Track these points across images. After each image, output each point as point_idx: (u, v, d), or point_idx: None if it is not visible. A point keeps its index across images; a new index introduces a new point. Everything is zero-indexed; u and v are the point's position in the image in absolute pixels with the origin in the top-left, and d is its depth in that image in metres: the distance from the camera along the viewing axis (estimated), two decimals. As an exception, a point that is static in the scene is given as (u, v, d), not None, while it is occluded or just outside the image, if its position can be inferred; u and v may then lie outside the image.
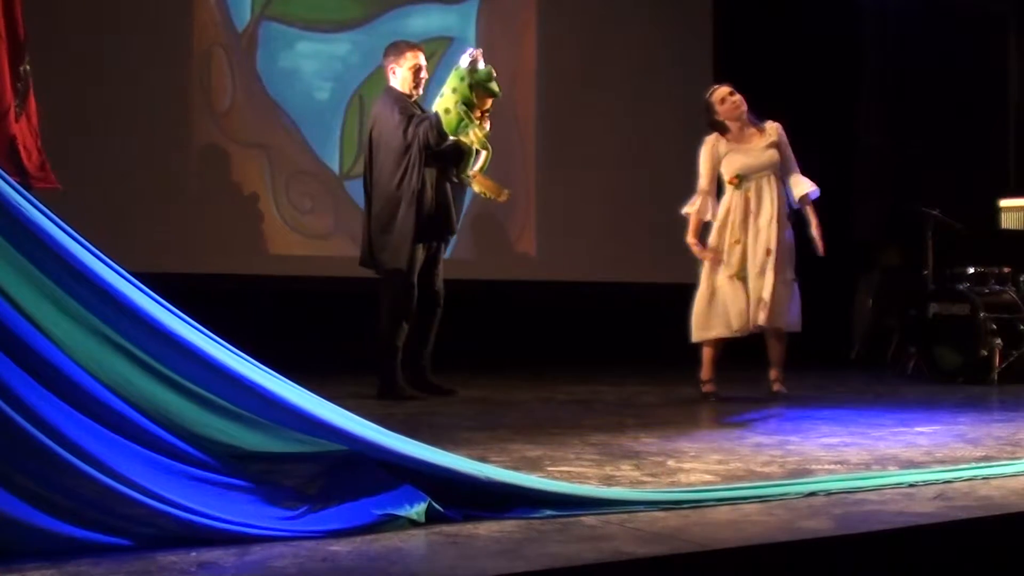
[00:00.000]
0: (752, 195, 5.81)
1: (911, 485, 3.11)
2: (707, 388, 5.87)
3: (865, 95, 10.18)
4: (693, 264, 5.92)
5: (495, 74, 5.58)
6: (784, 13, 9.49)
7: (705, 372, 5.89)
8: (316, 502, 2.52)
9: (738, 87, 6.11)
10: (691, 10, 9.50)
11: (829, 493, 2.96)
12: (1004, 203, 8.02)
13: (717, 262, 5.77)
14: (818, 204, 5.97)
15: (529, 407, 5.52)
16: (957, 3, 9.72)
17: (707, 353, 5.88)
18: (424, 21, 8.38)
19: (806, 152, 6.13)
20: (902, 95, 9.83)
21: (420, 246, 5.68)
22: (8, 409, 2.18)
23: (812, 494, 2.94)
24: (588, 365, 7.81)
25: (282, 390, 2.59)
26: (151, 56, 7.42)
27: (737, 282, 5.74)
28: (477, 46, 8.29)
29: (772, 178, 5.85)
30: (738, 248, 5.76)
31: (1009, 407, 5.74)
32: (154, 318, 2.47)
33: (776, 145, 5.88)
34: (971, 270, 7.55)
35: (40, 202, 2.45)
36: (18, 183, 2.48)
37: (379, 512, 2.43)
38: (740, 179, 5.82)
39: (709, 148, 5.91)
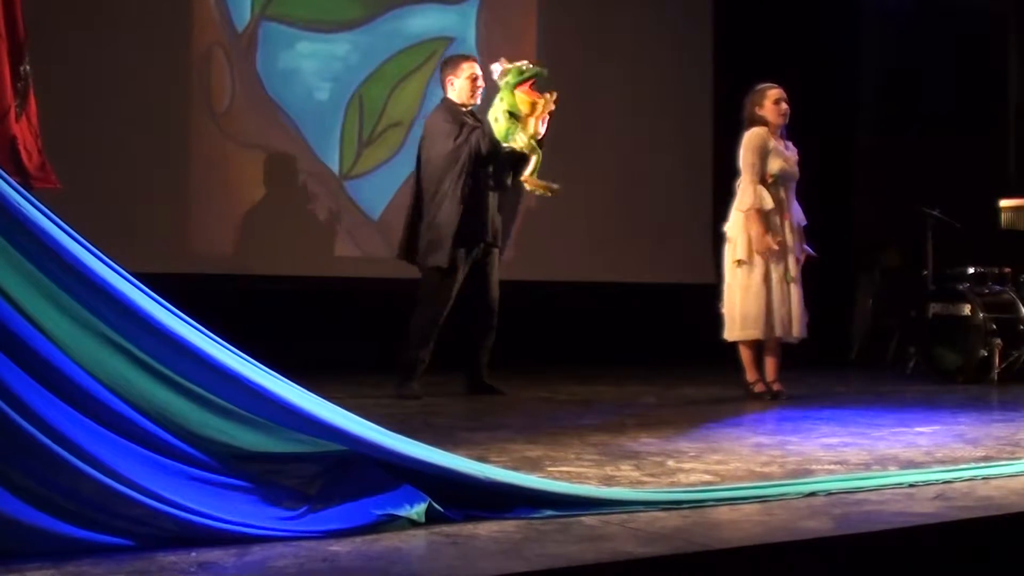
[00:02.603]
0: (784, 200, 5.86)
1: (911, 485, 3.11)
2: (758, 388, 5.87)
3: (865, 95, 10.18)
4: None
5: (524, 63, 5.76)
6: (784, 13, 9.49)
7: (751, 374, 5.89)
8: (316, 502, 2.52)
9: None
10: (691, 10, 9.50)
11: (829, 493, 2.96)
12: (1004, 203, 8.01)
13: (769, 256, 5.77)
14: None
15: (529, 407, 5.52)
16: (957, 3, 9.72)
17: (746, 354, 5.89)
18: (424, 21, 8.38)
19: (806, 152, 6.15)
20: (902, 95, 9.83)
21: (462, 250, 5.83)
22: (8, 409, 2.18)
23: (812, 494, 2.94)
24: (588, 365, 7.81)
25: (282, 390, 2.59)
26: (151, 56, 7.42)
27: (786, 285, 5.77)
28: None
29: (792, 190, 5.94)
30: (785, 247, 5.79)
31: (1009, 407, 5.74)
32: (154, 318, 2.47)
33: (797, 164, 5.98)
34: (971, 270, 7.56)
35: (40, 202, 2.45)
36: (18, 183, 2.48)
37: (379, 512, 2.43)
38: (775, 179, 5.84)
39: (759, 141, 5.86)
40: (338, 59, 8.11)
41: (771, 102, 5.93)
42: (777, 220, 5.83)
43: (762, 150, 5.84)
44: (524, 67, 5.73)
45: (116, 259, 2.53)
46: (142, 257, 6.03)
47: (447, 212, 5.80)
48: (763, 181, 5.83)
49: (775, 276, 5.78)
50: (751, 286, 5.78)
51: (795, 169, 5.96)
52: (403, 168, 8.25)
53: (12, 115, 4.08)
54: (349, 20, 8.15)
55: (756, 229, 5.76)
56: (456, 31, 8.48)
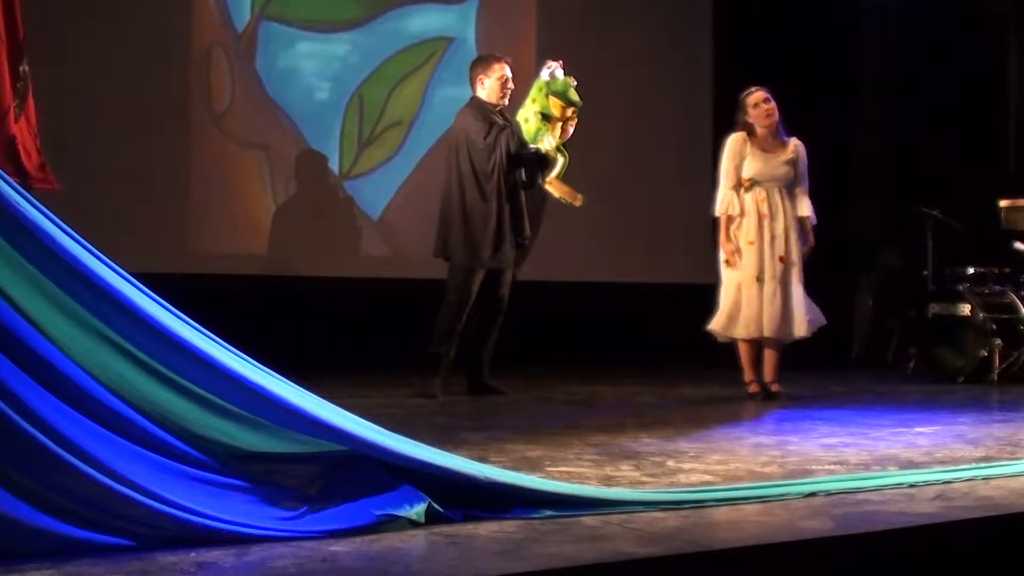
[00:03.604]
0: (764, 201, 5.89)
1: (911, 485, 3.11)
2: (752, 388, 5.90)
3: (865, 95, 10.17)
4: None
5: (574, 84, 5.93)
6: (784, 14, 9.49)
7: (747, 373, 5.94)
8: (316, 502, 2.52)
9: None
10: (692, 10, 9.49)
11: (829, 493, 2.96)
12: (1004, 203, 8.01)
13: (737, 260, 5.83)
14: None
15: (529, 407, 5.52)
16: (957, 3, 9.72)
17: (744, 354, 5.93)
18: (423, 21, 8.38)
19: (807, 152, 6.14)
20: (902, 95, 9.83)
21: (498, 250, 5.87)
22: (8, 409, 2.18)
23: (812, 494, 2.94)
24: (588, 365, 7.81)
25: (282, 390, 2.58)
26: (150, 56, 7.41)
27: (756, 284, 5.81)
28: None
29: (784, 191, 5.94)
30: (753, 249, 5.83)
31: (1009, 407, 5.75)
32: (154, 318, 2.47)
33: (793, 163, 5.97)
34: (971, 270, 7.56)
35: (40, 202, 2.44)
36: (18, 184, 2.48)
37: (379, 512, 2.43)
38: (752, 183, 5.87)
39: (735, 146, 5.94)
40: (338, 59, 8.11)
41: (752, 107, 5.98)
42: (754, 222, 5.85)
43: (736, 155, 5.93)
44: (571, 89, 5.86)
45: (116, 259, 2.53)
46: (142, 257, 6.03)
47: (484, 211, 5.84)
48: (738, 186, 5.89)
49: (747, 277, 5.82)
50: (726, 288, 5.89)
51: (781, 170, 5.93)
52: (403, 168, 8.28)
53: (11, 115, 4.08)
54: (349, 20, 8.14)
55: (721, 235, 5.89)
56: (456, 31, 8.48)
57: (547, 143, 5.84)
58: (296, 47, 7.96)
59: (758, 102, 5.96)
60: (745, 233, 5.85)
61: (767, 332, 5.82)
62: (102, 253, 2.50)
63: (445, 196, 6.00)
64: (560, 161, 5.90)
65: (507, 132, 5.86)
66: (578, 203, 6.07)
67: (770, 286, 5.81)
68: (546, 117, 5.84)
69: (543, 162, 5.91)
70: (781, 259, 5.85)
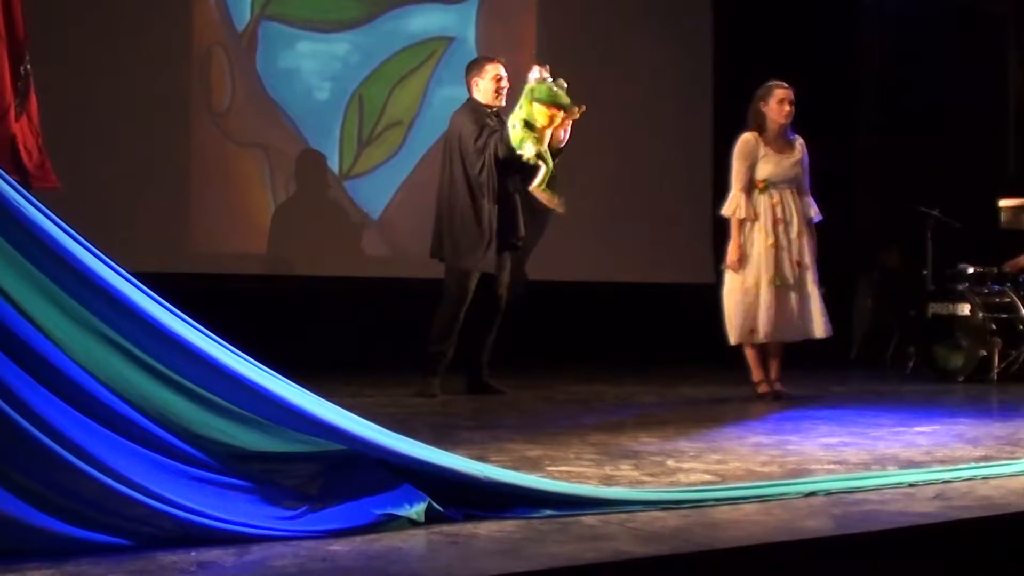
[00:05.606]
0: (779, 204, 5.86)
1: (910, 485, 3.11)
2: (762, 389, 5.88)
3: (865, 95, 10.18)
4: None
5: (563, 86, 5.74)
6: (784, 13, 9.49)
7: (756, 374, 5.91)
8: (316, 502, 2.52)
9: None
10: (691, 9, 9.50)
11: (828, 493, 2.96)
12: (1004, 203, 8.01)
13: (738, 266, 5.79)
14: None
15: (528, 407, 5.52)
16: (957, 3, 9.72)
17: (750, 354, 5.90)
18: (424, 21, 8.38)
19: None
20: (902, 95, 9.83)
21: (491, 252, 5.87)
22: (8, 409, 2.18)
23: (811, 494, 2.94)
24: (588, 365, 7.81)
25: (282, 390, 2.59)
26: (151, 55, 7.42)
27: (772, 288, 5.76)
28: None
29: (794, 191, 5.93)
30: (774, 251, 5.79)
31: (1009, 407, 5.75)
32: (154, 318, 2.47)
33: (801, 163, 5.96)
34: (970, 270, 7.56)
35: (40, 202, 2.45)
36: (18, 182, 2.48)
37: (379, 512, 2.43)
38: (766, 185, 5.85)
39: (747, 147, 5.89)
40: (338, 59, 8.11)
41: (775, 101, 5.94)
42: (769, 224, 5.84)
43: (749, 156, 5.87)
44: (556, 90, 5.72)
45: (116, 259, 2.53)
46: (142, 257, 6.04)
47: (474, 214, 5.84)
48: (749, 188, 5.85)
49: (764, 280, 5.78)
50: (733, 291, 5.84)
51: (792, 171, 5.91)
52: (403, 168, 8.28)
53: (12, 114, 4.08)
54: (349, 20, 8.15)
55: (733, 237, 5.84)
56: (456, 30, 8.48)
57: (527, 151, 5.73)
58: (296, 47, 7.97)
59: (784, 99, 5.91)
60: (763, 237, 5.81)
61: (785, 337, 5.82)
62: (102, 253, 2.50)
63: (439, 197, 6.02)
64: (543, 169, 5.77)
65: (496, 136, 5.83)
66: (560, 210, 6.00)
67: (788, 291, 5.79)
68: (529, 125, 5.76)
69: (523, 170, 5.84)
70: (797, 263, 5.84)
